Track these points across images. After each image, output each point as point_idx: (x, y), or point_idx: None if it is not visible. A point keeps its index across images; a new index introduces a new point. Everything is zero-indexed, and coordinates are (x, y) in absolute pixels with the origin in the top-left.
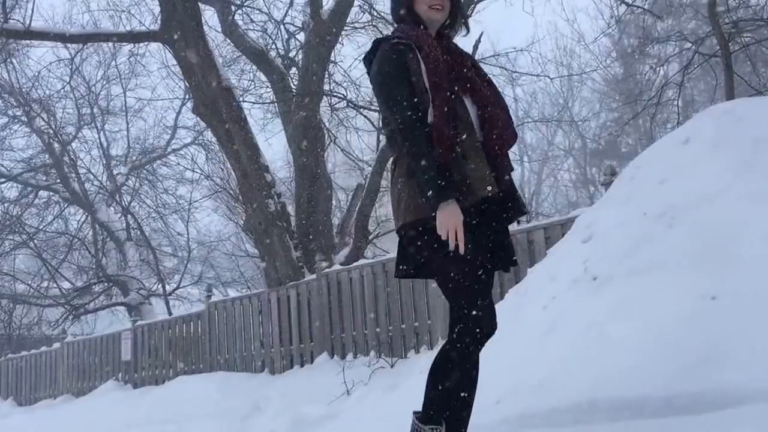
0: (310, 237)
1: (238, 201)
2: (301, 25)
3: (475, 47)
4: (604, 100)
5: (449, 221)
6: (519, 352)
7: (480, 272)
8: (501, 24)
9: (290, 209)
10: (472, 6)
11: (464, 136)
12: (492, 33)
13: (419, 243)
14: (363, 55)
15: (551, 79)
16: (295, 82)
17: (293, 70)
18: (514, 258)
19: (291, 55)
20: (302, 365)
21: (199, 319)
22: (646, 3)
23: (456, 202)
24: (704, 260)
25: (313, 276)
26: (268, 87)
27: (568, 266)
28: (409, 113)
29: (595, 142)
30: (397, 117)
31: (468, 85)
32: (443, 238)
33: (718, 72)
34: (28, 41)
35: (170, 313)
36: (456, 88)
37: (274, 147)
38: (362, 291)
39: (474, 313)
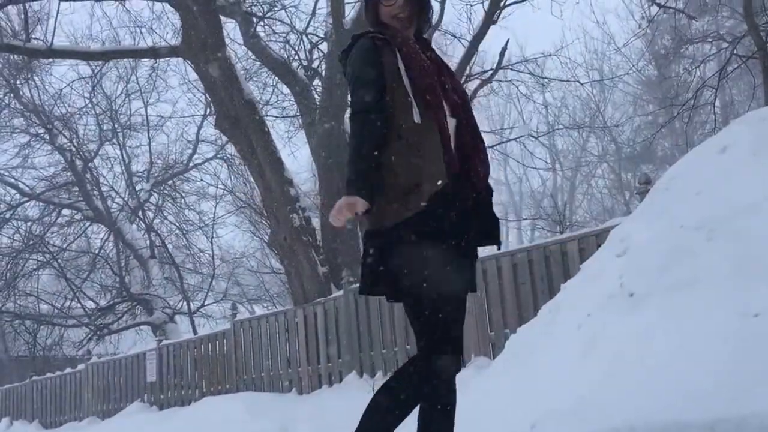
0: (338, 251)
1: (262, 216)
2: (323, 35)
3: (502, 54)
4: (637, 102)
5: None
6: (553, 374)
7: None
8: (528, 28)
9: (316, 223)
10: (499, 12)
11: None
12: (520, 38)
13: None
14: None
15: (582, 84)
16: (319, 93)
17: (316, 80)
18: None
19: (314, 65)
20: (331, 384)
21: (225, 338)
22: (680, 3)
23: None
24: (745, 275)
25: (341, 292)
26: (291, 99)
27: (603, 282)
28: (370, 102)
29: (629, 146)
30: (356, 105)
31: (446, 94)
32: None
33: (756, 73)
34: (49, 59)
35: (195, 332)
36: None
37: (300, 160)
38: (391, 306)
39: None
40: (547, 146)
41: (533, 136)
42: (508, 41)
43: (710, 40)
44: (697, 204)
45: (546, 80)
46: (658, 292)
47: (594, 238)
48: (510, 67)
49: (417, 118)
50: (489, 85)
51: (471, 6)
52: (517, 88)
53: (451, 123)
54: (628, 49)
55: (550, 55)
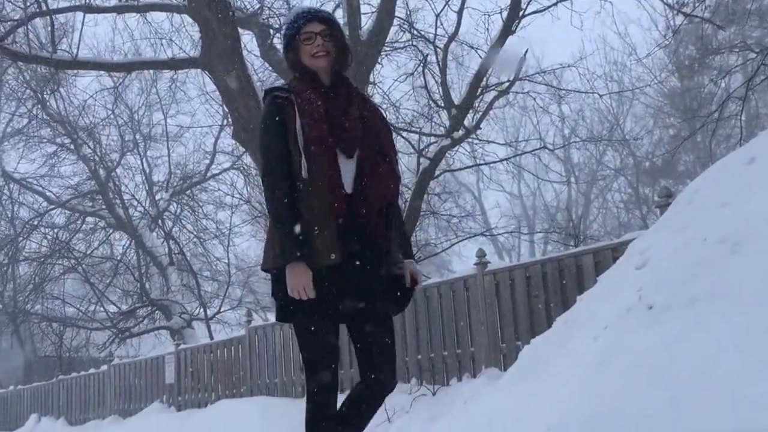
0: None
1: None
2: None
3: (520, 65)
4: (658, 115)
5: (295, 281)
6: (568, 384)
7: (325, 343)
8: (547, 39)
9: None
10: (517, 22)
11: (318, 198)
12: (537, 49)
13: (275, 289)
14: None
15: (600, 96)
16: None
17: None
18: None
19: None
20: (342, 391)
21: (240, 344)
22: (706, 11)
23: (304, 262)
24: None
25: None
26: None
27: (621, 294)
28: (275, 166)
29: (648, 160)
30: (264, 167)
31: (345, 138)
32: (293, 296)
33: None
34: (74, 71)
35: (212, 337)
36: (330, 142)
37: None
38: (402, 317)
39: (309, 389)
40: (562, 159)
41: (548, 149)
42: (526, 52)
43: (737, 50)
44: (721, 216)
45: (563, 92)
46: (679, 306)
47: (610, 251)
48: (527, 78)
49: (305, 174)
50: (505, 96)
51: (489, 16)
52: (534, 99)
53: (348, 164)
54: (650, 60)
55: (568, 66)
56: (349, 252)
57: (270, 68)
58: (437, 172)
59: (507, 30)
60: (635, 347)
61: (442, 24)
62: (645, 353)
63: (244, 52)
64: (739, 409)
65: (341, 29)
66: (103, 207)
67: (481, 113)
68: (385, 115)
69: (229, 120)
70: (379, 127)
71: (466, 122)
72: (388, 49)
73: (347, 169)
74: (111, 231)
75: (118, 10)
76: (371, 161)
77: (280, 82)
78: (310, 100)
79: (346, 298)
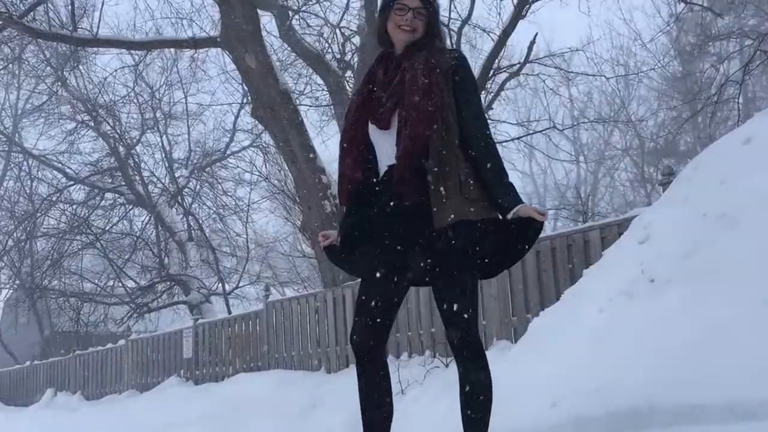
0: None
1: (295, 202)
2: (356, 29)
3: (530, 48)
4: (662, 98)
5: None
6: (575, 355)
7: (363, 291)
8: (556, 24)
9: None
10: (527, 7)
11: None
12: (547, 33)
13: None
14: None
15: (608, 78)
16: (351, 85)
17: (349, 72)
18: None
19: (347, 58)
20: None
21: (258, 318)
22: (706, 0)
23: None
24: (767, 263)
25: None
26: (324, 90)
27: (625, 268)
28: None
29: (652, 141)
30: None
31: (375, 113)
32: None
33: None
34: (95, 49)
35: (230, 312)
36: (361, 127)
37: (331, 149)
38: (416, 290)
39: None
40: (571, 139)
41: (558, 129)
42: (536, 35)
43: (734, 37)
44: (720, 193)
45: (572, 74)
46: (680, 279)
47: (616, 227)
48: (537, 61)
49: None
50: (516, 78)
51: (500, 1)
52: (544, 81)
53: (386, 135)
54: (653, 45)
55: (576, 50)
56: (381, 227)
57: (289, 49)
58: None
59: (518, 14)
60: (638, 319)
61: (455, 8)
62: (648, 325)
63: (264, 33)
64: (739, 377)
65: (437, 12)
66: (123, 183)
67: (493, 94)
68: (443, 63)
69: (249, 98)
70: (417, 83)
71: None
72: None
73: (385, 140)
74: (130, 207)
75: None
76: (400, 127)
77: (299, 63)
78: (362, 82)
79: (380, 267)
